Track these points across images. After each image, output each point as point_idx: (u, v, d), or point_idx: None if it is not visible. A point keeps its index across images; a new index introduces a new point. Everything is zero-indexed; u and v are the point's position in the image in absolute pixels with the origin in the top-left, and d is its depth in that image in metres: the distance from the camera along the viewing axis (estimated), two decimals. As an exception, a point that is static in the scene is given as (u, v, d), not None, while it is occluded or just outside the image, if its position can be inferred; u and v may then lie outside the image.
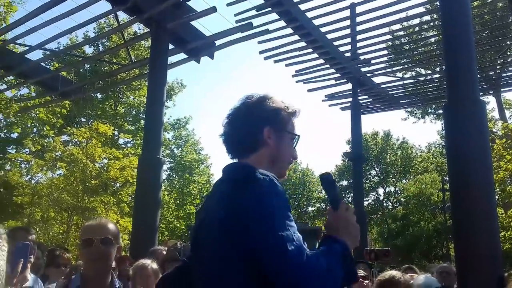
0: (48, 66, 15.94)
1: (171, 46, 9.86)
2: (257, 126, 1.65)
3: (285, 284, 1.34)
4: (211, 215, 1.55)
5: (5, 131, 19.47)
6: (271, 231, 1.38)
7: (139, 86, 21.62)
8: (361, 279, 4.16)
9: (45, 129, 18.23)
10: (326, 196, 1.72)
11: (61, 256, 4.45)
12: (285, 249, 1.34)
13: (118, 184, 17.52)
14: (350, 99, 13.98)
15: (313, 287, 1.34)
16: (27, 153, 18.69)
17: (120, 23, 11.17)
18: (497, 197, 13.46)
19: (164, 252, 5.20)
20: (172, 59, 10.83)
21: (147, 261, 3.91)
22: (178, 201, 23.94)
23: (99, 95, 22.11)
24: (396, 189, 36.88)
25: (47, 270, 4.34)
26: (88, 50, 22.86)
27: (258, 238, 1.39)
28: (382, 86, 13.87)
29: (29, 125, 18.71)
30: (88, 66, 20.11)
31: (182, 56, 10.98)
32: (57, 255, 4.49)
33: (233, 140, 1.70)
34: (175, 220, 23.35)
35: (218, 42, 10.58)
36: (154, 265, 3.86)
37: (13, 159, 18.49)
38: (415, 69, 19.58)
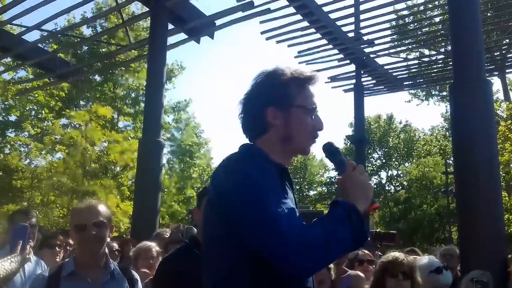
0: (45, 48, 15.76)
1: (170, 26, 9.74)
2: (262, 109, 1.59)
3: (281, 262, 1.31)
4: (208, 199, 1.58)
5: (4, 114, 19.35)
6: (257, 214, 1.34)
7: (139, 69, 21.41)
8: (366, 263, 4.08)
9: (43, 112, 18.12)
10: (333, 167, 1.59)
11: (54, 237, 4.45)
12: (275, 228, 1.30)
13: (118, 168, 17.49)
14: (353, 81, 13.85)
15: (309, 259, 1.29)
16: (26, 136, 18.64)
17: (118, 3, 10.96)
18: (501, 179, 13.38)
19: (167, 235, 5.23)
20: (171, 40, 10.67)
21: (151, 243, 3.98)
22: (179, 185, 23.93)
23: (97, 78, 21.94)
24: (399, 172, 36.87)
25: (41, 252, 4.36)
26: (86, 31, 22.62)
27: (245, 223, 1.37)
28: (385, 67, 13.69)
29: (27, 108, 18.59)
30: (86, 47, 19.91)
31: (182, 36, 10.86)
32: (50, 236, 4.51)
33: (244, 123, 1.67)
34: (176, 204, 23.37)
35: (218, 22, 10.45)
36: (157, 248, 3.93)
37: (12, 143, 18.42)
38: (420, 50, 19.33)
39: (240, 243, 1.39)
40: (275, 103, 1.58)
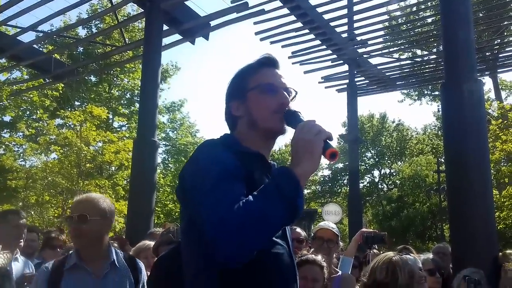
0: (41, 49, 15.74)
1: (165, 27, 9.74)
2: (227, 106, 1.66)
3: (207, 243, 1.24)
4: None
5: (-2, 114, 19.29)
6: (194, 195, 1.34)
7: (134, 69, 21.39)
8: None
9: (38, 112, 18.06)
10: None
11: (56, 238, 4.54)
12: (204, 209, 1.27)
13: (113, 168, 17.47)
14: (347, 81, 13.92)
15: (233, 240, 1.19)
16: (20, 136, 18.55)
17: (114, 4, 10.99)
18: (491, 177, 13.51)
19: (161, 234, 5.21)
20: (166, 41, 10.72)
21: (150, 242, 3.97)
22: (173, 184, 23.90)
23: (93, 78, 21.89)
24: (391, 171, 37.01)
25: (43, 252, 4.41)
26: (82, 32, 22.59)
27: (189, 205, 1.40)
28: (378, 67, 13.78)
29: (22, 108, 18.51)
30: (81, 48, 19.87)
31: (176, 37, 10.87)
32: (52, 237, 4.58)
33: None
34: (171, 203, 23.35)
35: (213, 23, 10.47)
36: None
37: (6, 143, 18.33)
38: (412, 50, 19.46)
39: (194, 231, 1.38)
40: (234, 96, 1.63)
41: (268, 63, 1.65)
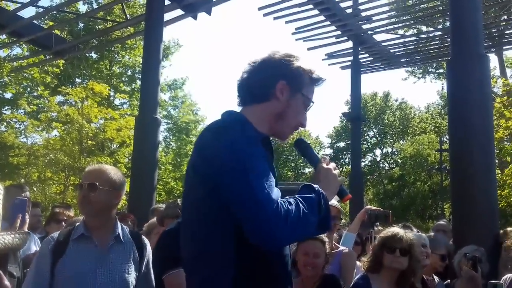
0: (41, 24, 15.56)
1: (167, 2, 9.59)
2: (273, 77, 1.63)
3: (256, 231, 1.36)
4: (190, 162, 1.61)
5: (-1, 91, 19.20)
6: (241, 182, 1.38)
7: (135, 46, 21.19)
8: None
9: (39, 89, 17.95)
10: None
11: (61, 213, 4.61)
12: (256, 198, 1.35)
13: (114, 145, 17.44)
14: (351, 58, 13.79)
15: (282, 232, 1.35)
16: (22, 113, 18.50)
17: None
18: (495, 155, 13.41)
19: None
20: (168, 16, 10.54)
21: None
22: (175, 162, 23.92)
23: (93, 55, 21.70)
24: (393, 150, 37.00)
25: (48, 226, 4.52)
26: (82, 8, 22.31)
27: (229, 189, 1.41)
28: (383, 44, 13.62)
29: (23, 85, 18.39)
30: (82, 24, 19.65)
31: (178, 12, 10.70)
32: (57, 212, 4.65)
33: (245, 85, 1.67)
34: (172, 181, 23.40)
35: (215, -3, 10.30)
36: None
37: (8, 120, 18.28)
38: (417, 27, 19.19)
39: (221, 206, 1.42)
40: (289, 80, 1.63)
41: (319, 82, 1.72)
